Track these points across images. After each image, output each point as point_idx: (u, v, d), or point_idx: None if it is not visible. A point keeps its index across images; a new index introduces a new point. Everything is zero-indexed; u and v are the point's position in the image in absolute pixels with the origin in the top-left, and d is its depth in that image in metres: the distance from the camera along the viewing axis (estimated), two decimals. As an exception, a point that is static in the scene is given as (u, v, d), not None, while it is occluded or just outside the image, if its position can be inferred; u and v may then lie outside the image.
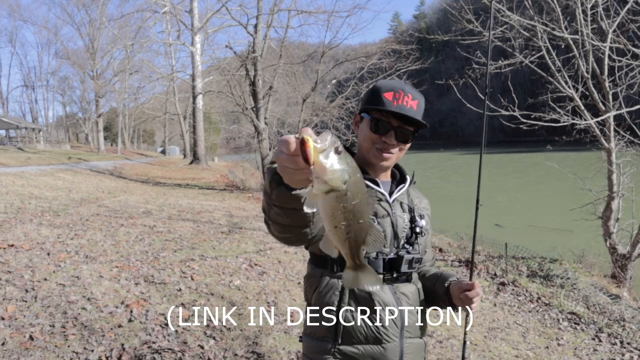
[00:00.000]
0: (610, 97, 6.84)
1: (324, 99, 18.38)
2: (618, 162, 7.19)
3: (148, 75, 36.11)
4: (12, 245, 5.84)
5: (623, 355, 4.20)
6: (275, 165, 0.90)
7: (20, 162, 22.67)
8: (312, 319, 1.46)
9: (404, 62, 15.40)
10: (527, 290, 5.79)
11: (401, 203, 1.53)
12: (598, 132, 7.01)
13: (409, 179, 1.59)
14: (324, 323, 1.41)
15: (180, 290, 4.76)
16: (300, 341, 1.53)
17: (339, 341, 1.38)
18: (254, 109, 15.86)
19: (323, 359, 1.41)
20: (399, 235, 1.47)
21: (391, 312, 1.40)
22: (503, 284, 5.99)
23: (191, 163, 32.50)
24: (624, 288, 6.85)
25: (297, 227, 1.05)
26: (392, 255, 1.43)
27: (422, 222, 1.52)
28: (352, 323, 1.37)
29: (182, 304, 4.38)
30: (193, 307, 4.33)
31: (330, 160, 0.80)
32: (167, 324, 3.89)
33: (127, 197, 12.47)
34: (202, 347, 3.54)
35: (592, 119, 6.78)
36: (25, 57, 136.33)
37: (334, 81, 16.90)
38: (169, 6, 27.44)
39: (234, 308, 4.41)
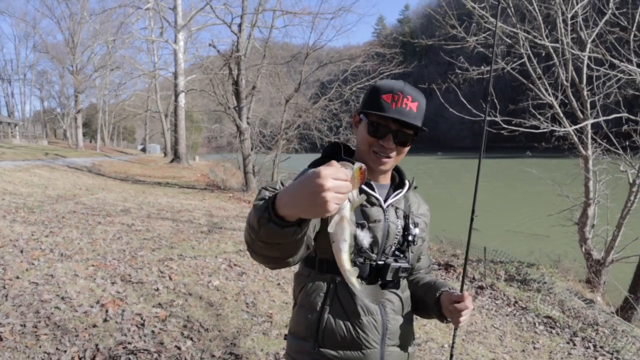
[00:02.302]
0: (589, 105, 6.99)
1: (307, 100, 18.37)
2: (595, 170, 7.34)
3: (129, 71, 35.72)
4: (-17, 242, 5.68)
5: (596, 358, 4.27)
6: (261, 203, 0.98)
7: (-6, 156, 22.10)
8: (297, 318, 1.45)
9: (388, 65, 15.49)
10: (504, 294, 5.86)
11: (396, 209, 1.48)
12: (576, 140, 7.14)
13: (407, 183, 1.55)
14: (306, 323, 1.39)
15: (157, 290, 4.68)
16: (285, 339, 1.51)
17: (320, 343, 1.36)
18: (237, 108, 15.76)
19: (303, 358, 1.39)
20: (389, 242, 1.43)
21: (373, 319, 1.37)
22: (481, 287, 6.06)
23: (172, 161, 32.14)
24: (597, 293, 6.99)
25: (282, 258, 1.10)
26: (379, 262, 1.40)
27: (416, 231, 1.47)
28: (334, 326, 1.35)
29: (160, 304, 4.31)
30: (170, 308, 4.26)
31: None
32: (143, 324, 3.82)
33: (105, 195, 12.25)
34: (179, 348, 3.48)
35: (570, 126, 6.91)
36: (2, 50, 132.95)
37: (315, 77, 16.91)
38: (152, 2, 27.11)
39: (212, 308, 4.36)
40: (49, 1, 46.77)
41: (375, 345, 1.37)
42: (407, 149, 1.44)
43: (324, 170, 0.87)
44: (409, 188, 1.54)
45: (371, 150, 1.40)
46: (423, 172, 36.09)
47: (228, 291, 4.91)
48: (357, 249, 1.31)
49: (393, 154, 1.41)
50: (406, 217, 1.49)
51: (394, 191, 1.50)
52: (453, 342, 1.67)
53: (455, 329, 1.54)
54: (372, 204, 1.42)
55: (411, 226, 1.47)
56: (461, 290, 1.48)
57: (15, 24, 66.79)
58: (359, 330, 1.36)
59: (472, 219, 1.75)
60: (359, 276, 1.27)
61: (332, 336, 1.36)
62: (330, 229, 1.00)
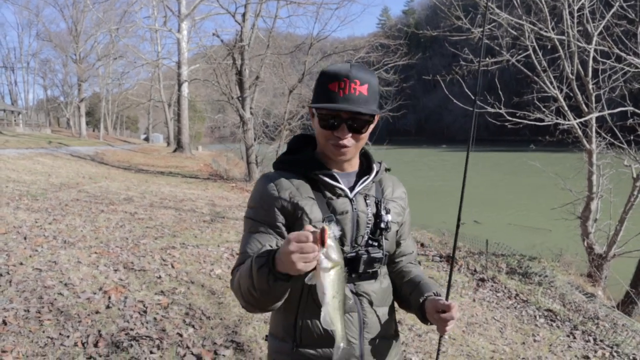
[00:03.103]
0: (594, 98, 6.95)
1: (311, 91, 18.28)
2: (598, 164, 7.31)
3: (133, 60, 35.60)
4: (-13, 228, 5.71)
5: (596, 352, 4.28)
6: (263, 267, 1.12)
7: (-2, 144, 22.15)
8: (275, 320, 1.43)
9: (392, 57, 15.41)
10: (505, 287, 5.86)
11: (366, 196, 1.42)
12: (580, 133, 7.11)
13: (375, 168, 1.47)
14: (283, 324, 1.38)
15: (160, 277, 4.70)
16: (265, 340, 1.50)
17: (298, 343, 1.34)
18: (240, 98, 15.73)
19: (283, 359, 1.38)
20: (360, 233, 1.37)
21: (349, 315, 1.35)
22: (482, 280, 6.06)
23: (175, 151, 32.15)
24: (599, 287, 7.00)
25: (271, 305, 1.24)
26: (351, 254, 1.34)
27: (388, 217, 1.40)
28: (310, 325, 1.33)
29: (162, 292, 4.33)
30: (173, 295, 4.28)
31: (335, 243, 1.08)
32: (145, 311, 3.84)
33: (108, 183, 12.28)
34: (180, 335, 3.51)
35: (575, 119, 6.87)
36: (5, 37, 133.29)
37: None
38: (156, -9, 26.97)
39: (214, 297, 4.38)
40: (52, -11, 46.47)
41: (354, 341, 1.34)
42: (365, 134, 1.37)
43: (290, 235, 1.05)
44: (377, 173, 1.46)
45: (328, 143, 1.35)
46: (424, 164, 36.09)
47: (230, 280, 4.93)
48: None
49: (351, 142, 1.34)
50: (377, 204, 1.43)
51: (360, 178, 1.44)
52: (438, 351, 1.65)
53: (441, 337, 1.51)
54: (338, 195, 1.37)
55: (382, 212, 1.41)
56: (447, 298, 1.41)
57: (19, 12, 66.61)
58: None
59: (457, 226, 1.66)
60: None
61: (310, 335, 1.34)
62: (308, 282, 1.13)
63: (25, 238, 5.51)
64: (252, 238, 1.34)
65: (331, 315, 1.13)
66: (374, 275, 1.41)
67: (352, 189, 1.40)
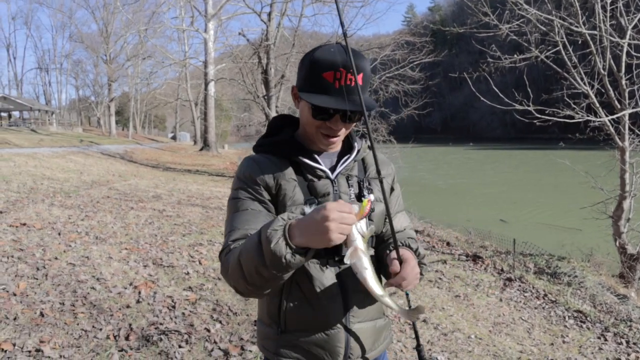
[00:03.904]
0: (627, 94, 6.75)
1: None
2: (631, 162, 7.11)
3: (161, 60, 36.16)
4: (24, 224, 5.93)
5: (629, 355, 4.18)
6: (279, 240, 1.03)
7: (33, 143, 22.91)
8: (261, 305, 1.42)
9: (418, 54, 15.27)
10: (533, 287, 5.77)
11: (348, 177, 1.36)
12: (612, 131, 6.92)
13: (357, 147, 1.40)
14: (268, 310, 1.36)
15: (188, 273, 4.80)
16: (254, 325, 1.50)
17: (283, 328, 1.33)
18: (266, 97, 15.85)
19: (270, 345, 1.36)
20: None
21: (333, 299, 1.30)
22: (510, 279, 5.98)
23: (201, 149, 32.63)
24: (632, 288, 6.80)
25: (274, 287, 1.16)
26: None
27: (371, 197, 1.33)
28: (294, 311, 1.31)
29: (190, 287, 4.43)
30: (200, 291, 4.37)
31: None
32: (174, 306, 3.94)
33: (137, 181, 12.57)
34: (208, 330, 3.58)
35: (606, 116, 6.70)
36: (40, 40, 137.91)
37: None
38: (183, -8, 27.37)
39: (241, 293, 4.45)
40: (84, -8, 47.70)
41: (339, 326, 1.31)
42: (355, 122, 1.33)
43: (330, 204, 1.01)
44: (357, 152, 1.40)
45: (318, 132, 1.30)
46: (445, 162, 35.62)
47: (256, 277, 4.99)
48: None
49: (342, 132, 1.31)
50: (360, 183, 1.38)
51: (342, 158, 1.39)
52: (416, 334, 1.48)
53: (414, 322, 1.42)
54: (319, 177, 1.32)
55: (365, 192, 1.36)
56: (398, 257, 1.27)
57: (53, 14, 68.67)
58: (320, 313, 1.30)
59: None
60: (315, 256, 1.26)
61: (294, 321, 1.31)
62: (347, 261, 1.13)
63: (59, 234, 5.70)
64: (242, 216, 1.26)
65: (378, 289, 1.18)
66: None
67: (333, 169, 1.36)
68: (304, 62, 1.29)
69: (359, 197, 1.35)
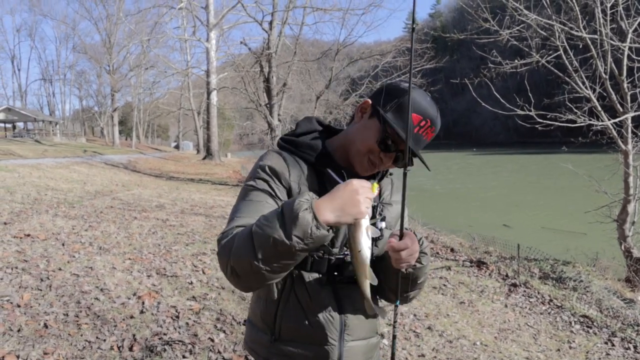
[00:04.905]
0: (629, 98, 6.75)
1: (338, 97, 18.37)
2: (635, 165, 7.08)
3: (163, 70, 36.49)
4: (28, 235, 5.94)
5: (636, 360, 4.15)
6: (305, 211, 1.02)
7: (37, 154, 23.04)
8: (254, 308, 1.39)
9: (419, 60, 15.33)
10: (539, 292, 5.73)
11: None
12: (615, 134, 6.91)
13: (380, 172, 1.38)
14: (263, 316, 1.34)
15: (191, 283, 4.80)
16: (243, 324, 1.47)
17: (276, 337, 1.31)
18: (268, 105, 15.92)
19: (260, 350, 1.35)
20: None
21: (330, 315, 1.30)
22: (515, 285, 5.95)
23: (204, 158, 32.73)
24: (638, 292, 6.75)
25: (281, 273, 1.12)
26: (339, 256, 1.30)
27: (382, 224, 1.33)
28: (290, 321, 1.29)
29: (194, 297, 4.42)
30: (204, 301, 4.36)
31: None
32: (178, 316, 3.93)
33: (140, 191, 12.60)
34: (212, 340, 3.57)
35: (609, 120, 6.69)
36: (44, 51, 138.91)
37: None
38: (185, 2, 27.61)
39: (245, 302, 4.44)
40: (87, 3, 48.20)
41: (334, 342, 1.30)
42: None
43: (353, 180, 1.08)
44: (382, 177, 1.40)
45: (366, 157, 1.29)
46: (445, 167, 35.56)
47: (259, 285, 4.98)
48: None
49: (384, 168, 1.32)
50: (374, 209, 1.35)
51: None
52: (394, 329, 1.35)
53: (400, 273, 1.27)
54: None
55: (377, 218, 1.34)
56: (401, 227, 1.24)
57: (57, 26, 69.50)
58: (316, 327, 1.29)
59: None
60: (318, 271, 1.28)
61: (289, 331, 1.30)
62: (359, 243, 1.13)
63: (63, 244, 5.71)
64: (254, 205, 1.22)
65: (370, 276, 1.19)
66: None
67: None
68: (398, 92, 1.29)
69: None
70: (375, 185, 1.12)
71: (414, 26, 1.29)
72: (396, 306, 1.31)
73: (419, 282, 1.33)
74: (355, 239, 1.12)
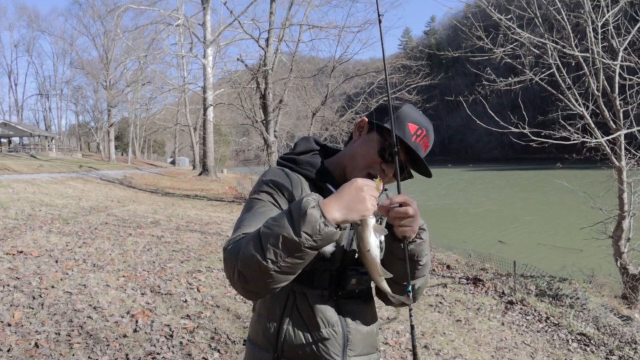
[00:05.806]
0: (621, 115, 6.81)
1: (334, 113, 18.46)
2: (629, 181, 7.12)
3: (160, 86, 36.50)
4: (21, 252, 5.89)
5: (633, 378, 4.12)
6: (313, 208, 1.02)
7: (32, 169, 22.95)
8: (256, 327, 1.39)
9: (414, 77, 15.47)
10: (535, 310, 5.71)
11: None
12: (609, 151, 6.95)
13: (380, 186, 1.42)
14: (265, 334, 1.34)
15: (186, 301, 4.75)
16: (243, 344, 1.47)
17: (279, 354, 1.31)
18: (264, 121, 15.96)
19: None
20: (354, 248, 1.33)
21: (333, 330, 1.31)
22: (511, 302, 5.92)
23: (200, 174, 32.67)
24: (635, 309, 6.73)
25: (289, 275, 1.10)
26: (340, 270, 1.32)
27: (382, 237, 1.28)
28: (293, 338, 1.30)
29: (188, 316, 4.37)
30: (198, 319, 4.32)
31: None
32: (172, 335, 3.88)
33: (136, 207, 12.54)
34: None
35: (602, 137, 6.74)
36: (41, 67, 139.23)
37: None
38: (182, 19, 27.84)
39: (240, 321, 4.40)
40: (85, 19, 48.68)
41: (336, 358, 1.31)
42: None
43: (357, 178, 1.10)
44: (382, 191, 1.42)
45: (367, 170, 1.32)
46: (437, 183, 35.60)
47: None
48: (320, 257, 1.24)
49: (386, 179, 1.33)
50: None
51: None
52: (411, 319, 1.35)
53: (404, 241, 1.26)
54: None
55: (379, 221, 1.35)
56: (398, 191, 1.25)
57: (54, 42, 69.93)
58: (319, 343, 1.29)
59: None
60: (319, 286, 1.30)
61: (292, 348, 1.30)
62: (368, 243, 1.14)
63: (56, 261, 5.66)
64: (260, 216, 1.21)
65: (382, 272, 1.20)
66: (360, 294, 1.39)
67: None
68: (391, 107, 1.29)
69: None
70: (379, 182, 1.13)
71: (380, 17, 1.33)
72: (408, 292, 1.29)
73: (421, 263, 1.33)
74: (363, 239, 1.14)
